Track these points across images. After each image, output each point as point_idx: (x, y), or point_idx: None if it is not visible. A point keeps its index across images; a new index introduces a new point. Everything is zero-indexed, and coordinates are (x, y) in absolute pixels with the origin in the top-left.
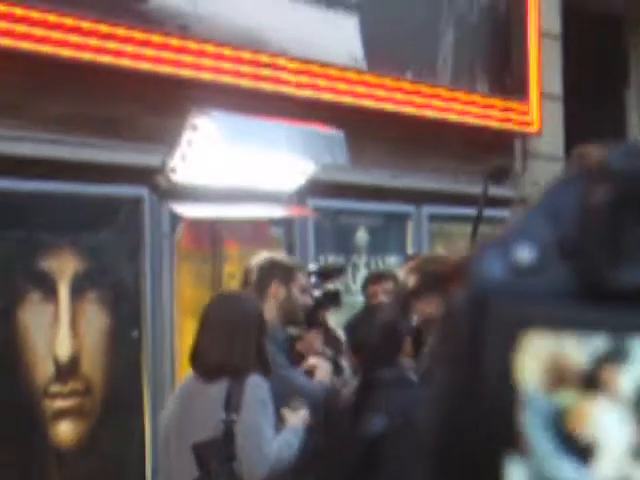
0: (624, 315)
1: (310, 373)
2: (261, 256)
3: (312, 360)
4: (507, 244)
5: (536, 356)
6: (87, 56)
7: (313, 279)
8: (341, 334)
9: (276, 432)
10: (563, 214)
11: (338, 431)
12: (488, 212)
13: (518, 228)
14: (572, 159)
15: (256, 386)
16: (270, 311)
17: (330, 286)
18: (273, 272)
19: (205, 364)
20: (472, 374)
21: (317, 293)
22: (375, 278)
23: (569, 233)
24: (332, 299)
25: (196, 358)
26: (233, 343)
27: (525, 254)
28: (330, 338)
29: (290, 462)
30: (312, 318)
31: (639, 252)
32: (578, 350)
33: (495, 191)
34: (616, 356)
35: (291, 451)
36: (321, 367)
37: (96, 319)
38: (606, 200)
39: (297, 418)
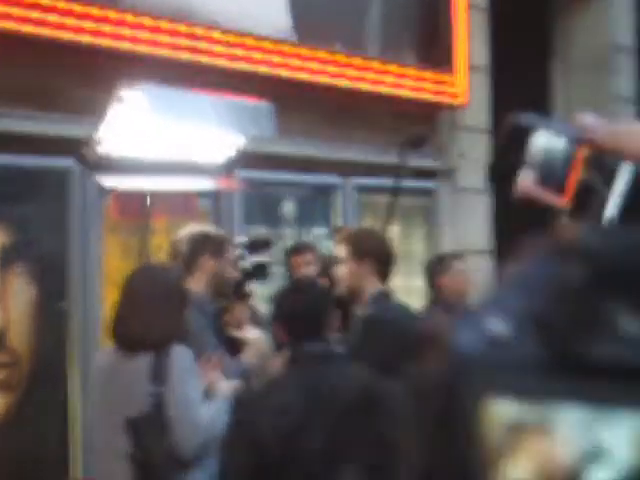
0: (592, 389)
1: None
2: (190, 228)
3: (249, 334)
4: (482, 317)
5: (502, 425)
6: (12, 26)
7: (241, 251)
8: (261, 307)
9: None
10: (536, 289)
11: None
12: (414, 184)
13: (493, 301)
14: (547, 234)
15: (181, 356)
16: (199, 284)
17: (258, 258)
18: (204, 245)
19: (127, 336)
20: (446, 441)
21: (245, 265)
22: (296, 250)
23: (542, 308)
24: (260, 271)
25: (117, 330)
26: (155, 315)
27: (499, 327)
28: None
29: (221, 431)
30: (239, 290)
31: (610, 328)
32: (544, 421)
33: (421, 162)
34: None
35: (222, 419)
36: (255, 342)
37: (23, 291)
38: (580, 278)
39: (227, 387)
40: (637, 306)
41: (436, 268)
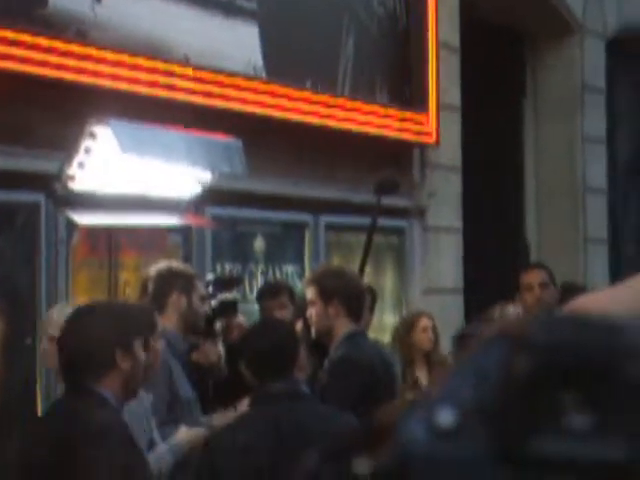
0: None
1: None
2: (160, 265)
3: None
4: (430, 407)
5: None
6: None
7: (210, 288)
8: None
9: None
10: (484, 379)
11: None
12: (385, 222)
13: (441, 391)
14: (494, 323)
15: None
16: (170, 321)
17: (227, 295)
18: (173, 281)
19: None
20: None
21: (214, 303)
22: (269, 292)
23: (489, 399)
24: (229, 309)
25: None
26: None
27: (446, 418)
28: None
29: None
30: (208, 328)
31: (555, 422)
32: None
33: (392, 201)
34: None
35: (161, 466)
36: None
37: None
38: (526, 370)
39: (183, 435)
40: (583, 401)
41: (403, 328)
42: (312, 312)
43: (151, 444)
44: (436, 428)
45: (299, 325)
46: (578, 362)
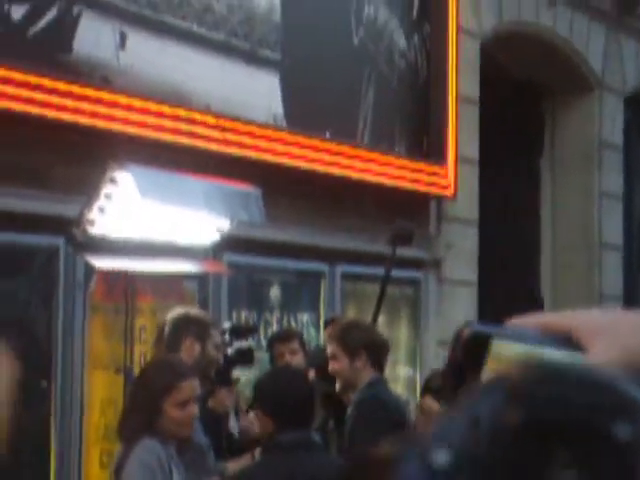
0: None
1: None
2: (177, 311)
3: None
4: (426, 447)
5: None
6: (1, 104)
7: (226, 337)
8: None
9: None
10: (479, 424)
11: None
12: (400, 273)
13: (437, 432)
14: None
15: (142, 450)
16: None
17: (243, 344)
18: (188, 327)
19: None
20: None
21: (230, 351)
22: (281, 337)
23: (482, 444)
24: (245, 357)
25: None
26: (129, 409)
27: (441, 459)
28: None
29: None
30: (224, 375)
31: (540, 477)
32: None
33: (408, 253)
34: None
35: None
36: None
37: (6, 368)
38: (516, 422)
39: None
40: (571, 458)
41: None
42: (335, 366)
43: None
44: (431, 467)
45: (311, 374)
46: (567, 419)
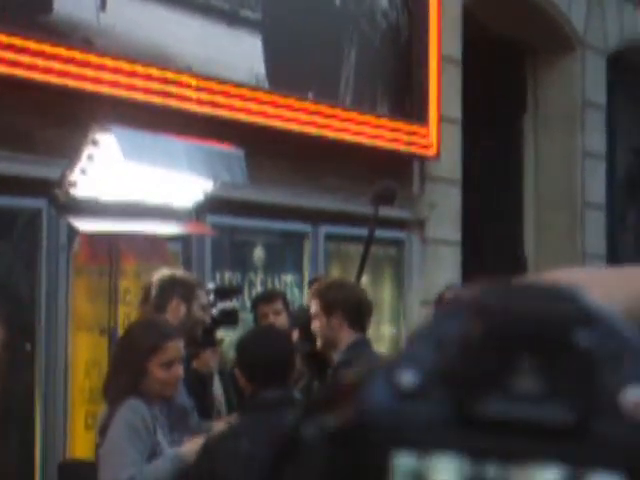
0: (483, 442)
1: None
2: (162, 272)
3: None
4: (393, 369)
5: (404, 477)
6: None
7: (210, 297)
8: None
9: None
10: (446, 343)
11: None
12: (384, 233)
13: (405, 354)
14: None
15: (127, 410)
16: None
17: (227, 305)
18: (174, 289)
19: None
20: None
21: (214, 311)
22: (264, 298)
23: (450, 362)
24: (229, 318)
25: None
26: (114, 369)
27: (408, 379)
28: None
29: None
30: (208, 337)
31: (505, 386)
32: (442, 474)
33: (391, 213)
34: None
35: (158, 476)
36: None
37: None
38: (477, 336)
39: (189, 445)
40: (534, 366)
41: None
42: (316, 325)
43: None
44: (398, 389)
45: (295, 334)
46: (527, 327)
